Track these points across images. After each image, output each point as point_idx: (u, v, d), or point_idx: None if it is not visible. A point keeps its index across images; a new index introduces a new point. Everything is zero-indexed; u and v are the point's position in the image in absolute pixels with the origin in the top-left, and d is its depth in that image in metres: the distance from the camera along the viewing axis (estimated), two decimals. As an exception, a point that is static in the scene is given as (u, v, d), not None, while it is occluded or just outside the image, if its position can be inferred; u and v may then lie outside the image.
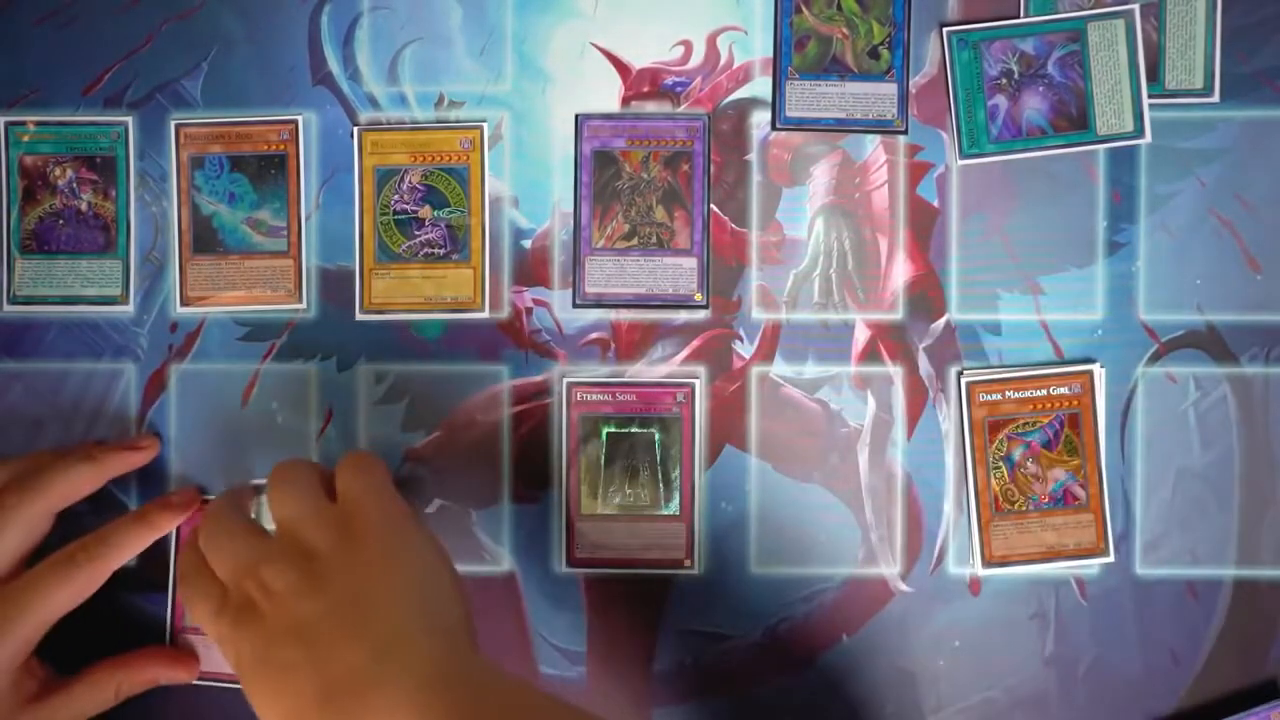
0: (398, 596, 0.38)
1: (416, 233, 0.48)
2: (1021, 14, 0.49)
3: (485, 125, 0.49)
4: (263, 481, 0.46)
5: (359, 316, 0.49)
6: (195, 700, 0.49)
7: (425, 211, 0.48)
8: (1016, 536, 0.48)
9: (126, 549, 0.46)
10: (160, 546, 0.49)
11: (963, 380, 0.48)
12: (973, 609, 0.49)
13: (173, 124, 0.49)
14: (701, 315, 0.49)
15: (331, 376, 0.49)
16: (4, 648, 0.42)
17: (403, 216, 0.49)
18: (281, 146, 0.49)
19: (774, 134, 0.49)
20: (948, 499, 0.49)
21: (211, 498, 0.49)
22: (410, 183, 0.48)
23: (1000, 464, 0.48)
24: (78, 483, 0.46)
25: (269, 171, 0.49)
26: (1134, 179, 0.49)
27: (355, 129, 0.48)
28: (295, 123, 0.49)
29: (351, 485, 0.41)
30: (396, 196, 0.48)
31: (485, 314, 0.49)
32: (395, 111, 0.49)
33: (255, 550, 0.40)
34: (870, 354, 0.49)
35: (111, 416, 0.49)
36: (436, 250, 0.49)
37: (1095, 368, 0.48)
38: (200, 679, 0.49)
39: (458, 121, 0.49)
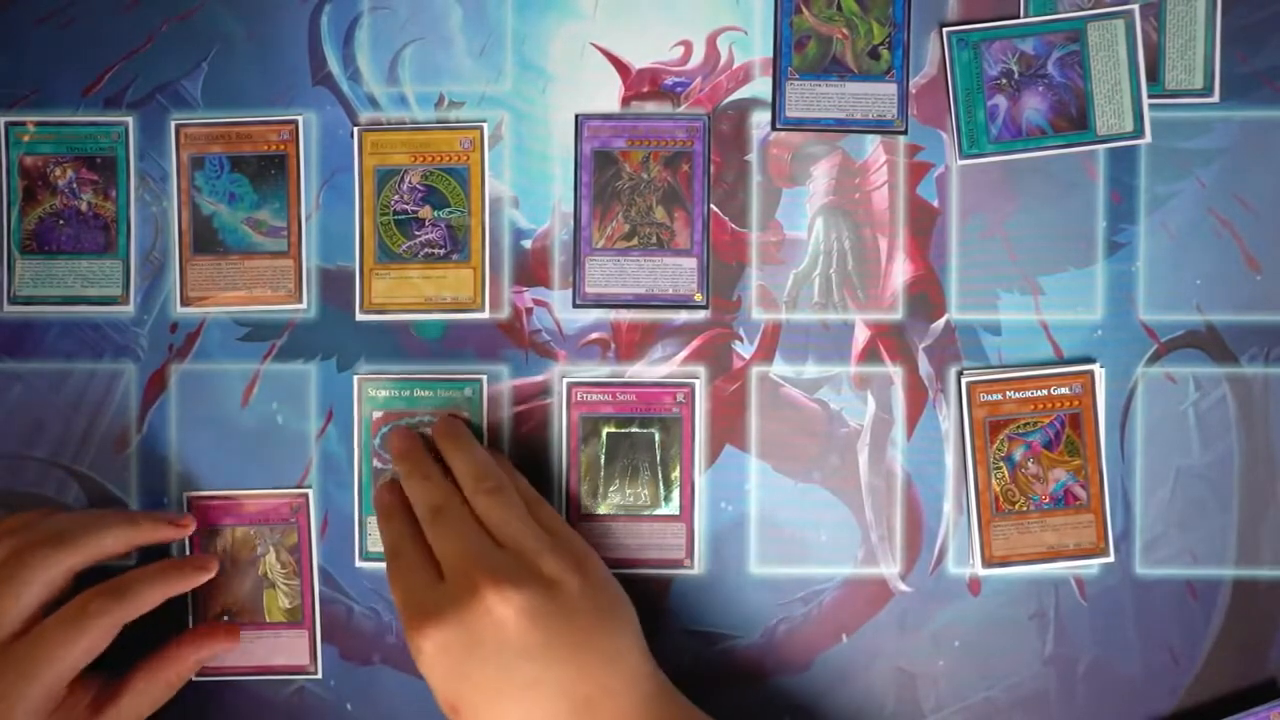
0: (633, 636, 0.42)
1: (416, 233, 0.48)
2: (1021, 14, 0.49)
3: (485, 125, 0.49)
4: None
5: (359, 317, 0.49)
6: (195, 700, 0.49)
7: (425, 212, 0.48)
8: (1017, 537, 0.48)
9: (142, 603, 0.44)
10: (161, 550, 0.49)
11: (963, 380, 0.48)
12: (973, 609, 0.49)
13: (173, 124, 0.49)
14: (701, 315, 0.49)
15: (331, 376, 0.49)
16: (27, 701, 0.41)
17: (403, 216, 0.49)
18: (281, 147, 0.49)
19: (774, 134, 0.49)
20: (948, 499, 0.49)
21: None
22: (410, 183, 0.48)
23: (1001, 464, 0.48)
24: (110, 546, 0.45)
25: (269, 171, 0.49)
26: (1134, 179, 0.49)
27: (355, 129, 0.48)
28: (295, 123, 0.49)
29: (556, 517, 0.45)
30: (396, 196, 0.48)
31: (485, 314, 0.49)
32: (395, 111, 0.49)
33: (493, 556, 0.41)
34: (870, 354, 0.49)
35: (111, 416, 0.49)
36: (436, 250, 0.49)
37: (1095, 368, 0.48)
38: (200, 676, 0.49)
39: (458, 121, 0.49)
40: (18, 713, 0.41)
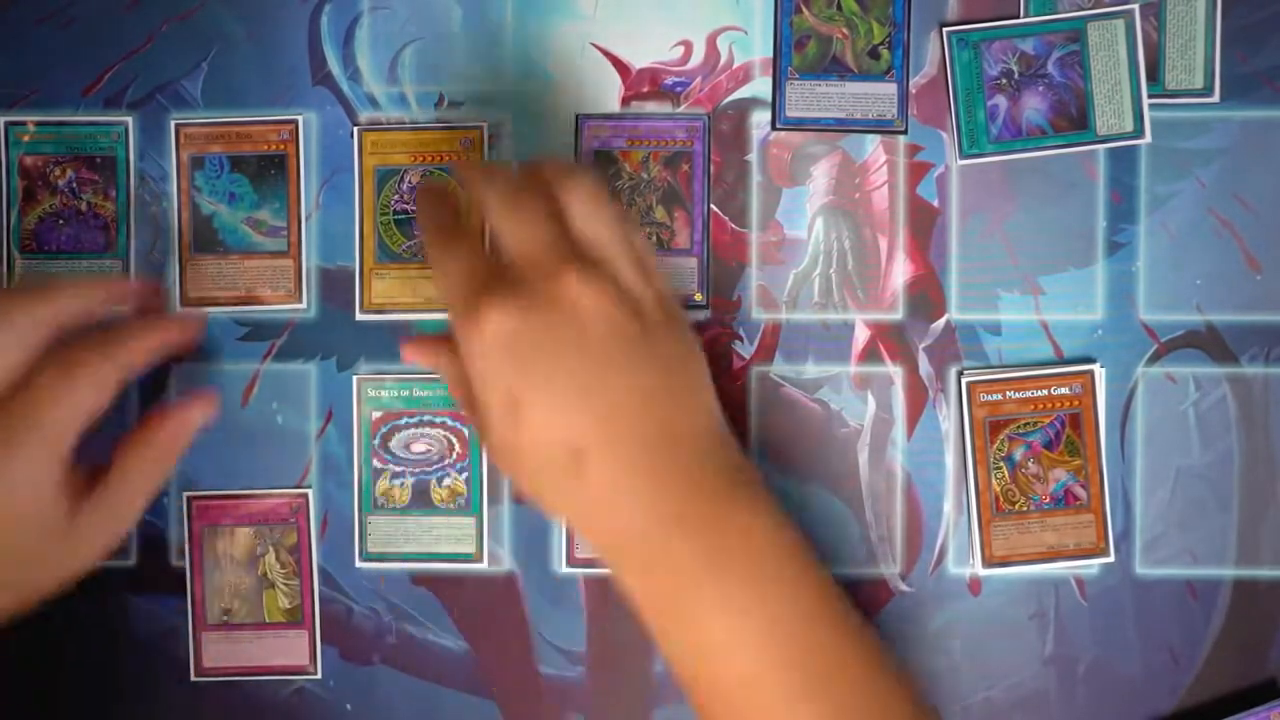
0: (708, 378, 0.38)
1: (417, 233, 0.48)
2: (1021, 14, 0.49)
3: (485, 125, 0.49)
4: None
5: (359, 316, 0.49)
6: (195, 700, 0.49)
7: None
8: (1017, 537, 0.48)
9: (130, 353, 0.40)
10: (160, 550, 0.50)
11: (963, 380, 0.48)
12: (973, 609, 0.49)
13: (173, 124, 0.49)
14: (701, 315, 0.49)
15: (331, 376, 0.49)
16: (30, 465, 0.38)
17: (403, 216, 0.48)
18: (281, 146, 0.49)
19: (774, 134, 0.49)
20: (948, 499, 0.49)
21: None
22: (410, 182, 0.48)
23: (1001, 464, 0.48)
24: (88, 290, 0.42)
25: (269, 172, 0.49)
26: (1134, 179, 0.49)
27: (355, 129, 0.48)
28: (295, 123, 0.49)
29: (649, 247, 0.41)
30: (396, 196, 0.48)
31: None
32: (395, 111, 0.49)
33: (577, 248, 0.36)
34: (870, 354, 0.49)
35: (111, 416, 0.49)
36: (436, 250, 0.49)
37: (1095, 368, 0.48)
38: (200, 676, 0.49)
39: (458, 122, 0.49)
40: (19, 481, 0.38)
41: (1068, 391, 0.48)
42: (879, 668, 0.35)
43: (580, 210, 0.37)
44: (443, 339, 0.40)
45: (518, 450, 0.36)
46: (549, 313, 0.34)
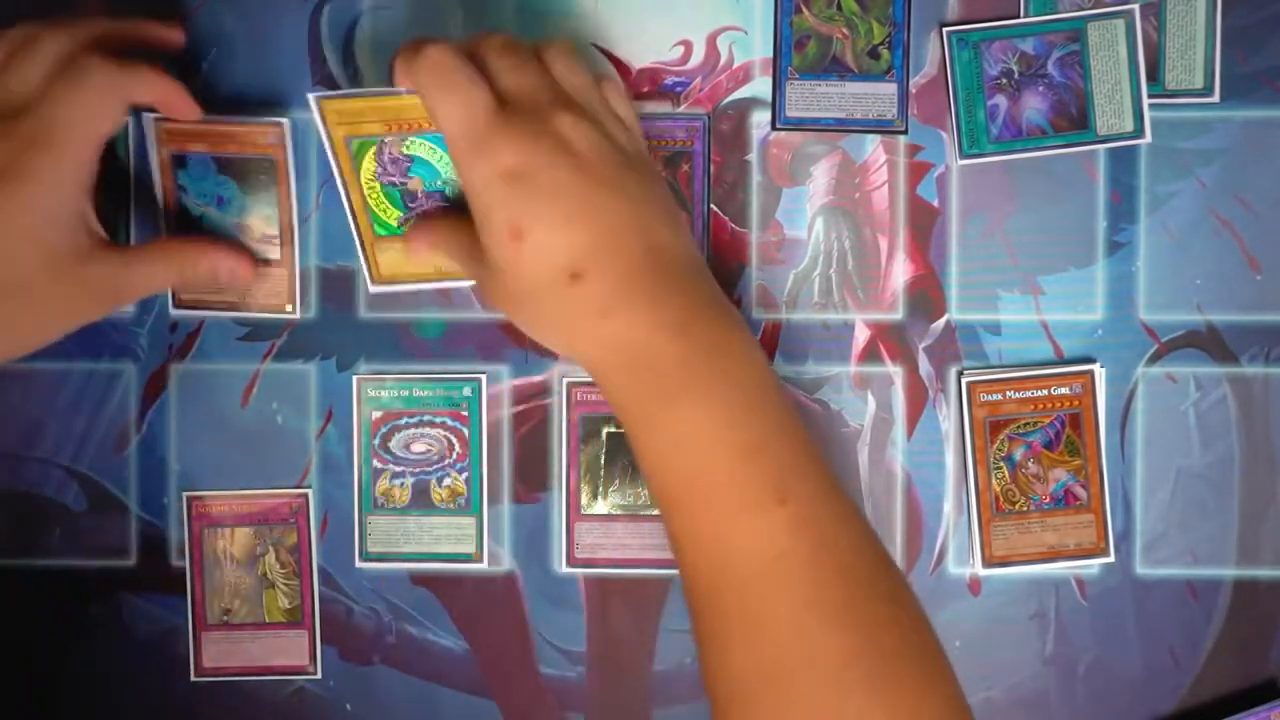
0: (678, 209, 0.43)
1: (412, 205, 0.47)
2: (1021, 14, 0.49)
3: None
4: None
5: (372, 289, 0.48)
6: (195, 700, 0.49)
7: (415, 183, 0.47)
8: (1017, 537, 0.48)
9: (137, 73, 0.42)
10: (160, 550, 0.50)
11: (963, 380, 0.48)
12: (973, 609, 0.49)
13: (150, 120, 0.48)
14: (701, 315, 0.49)
15: (331, 376, 0.49)
16: (53, 173, 0.40)
17: (392, 188, 0.47)
18: (269, 150, 0.48)
19: (774, 134, 0.49)
20: (948, 499, 0.49)
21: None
22: (392, 154, 0.46)
23: (1001, 464, 0.48)
24: (116, 27, 0.44)
25: (258, 176, 0.49)
26: (1134, 179, 0.49)
27: (311, 96, 0.45)
28: (283, 125, 0.48)
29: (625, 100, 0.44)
30: (379, 169, 0.47)
31: (483, 314, 0.49)
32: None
33: (564, 95, 0.40)
34: (870, 354, 0.49)
35: (111, 416, 0.49)
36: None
37: (1095, 368, 0.48)
38: (200, 676, 0.49)
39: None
40: (36, 194, 0.39)
41: (1068, 391, 0.48)
42: (832, 479, 0.40)
43: (563, 65, 0.41)
44: (437, 217, 0.45)
45: (519, 275, 0.39)
46: (543, 149, 0.38)
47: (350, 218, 0.47)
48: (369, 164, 0.46)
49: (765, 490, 0.37)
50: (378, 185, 0.46)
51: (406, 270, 0.48)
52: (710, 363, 0.38)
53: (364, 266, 0.48)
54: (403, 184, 0.46)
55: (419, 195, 0.47)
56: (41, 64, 0.40)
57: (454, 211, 0.44)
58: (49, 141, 0.39)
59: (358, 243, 0.47)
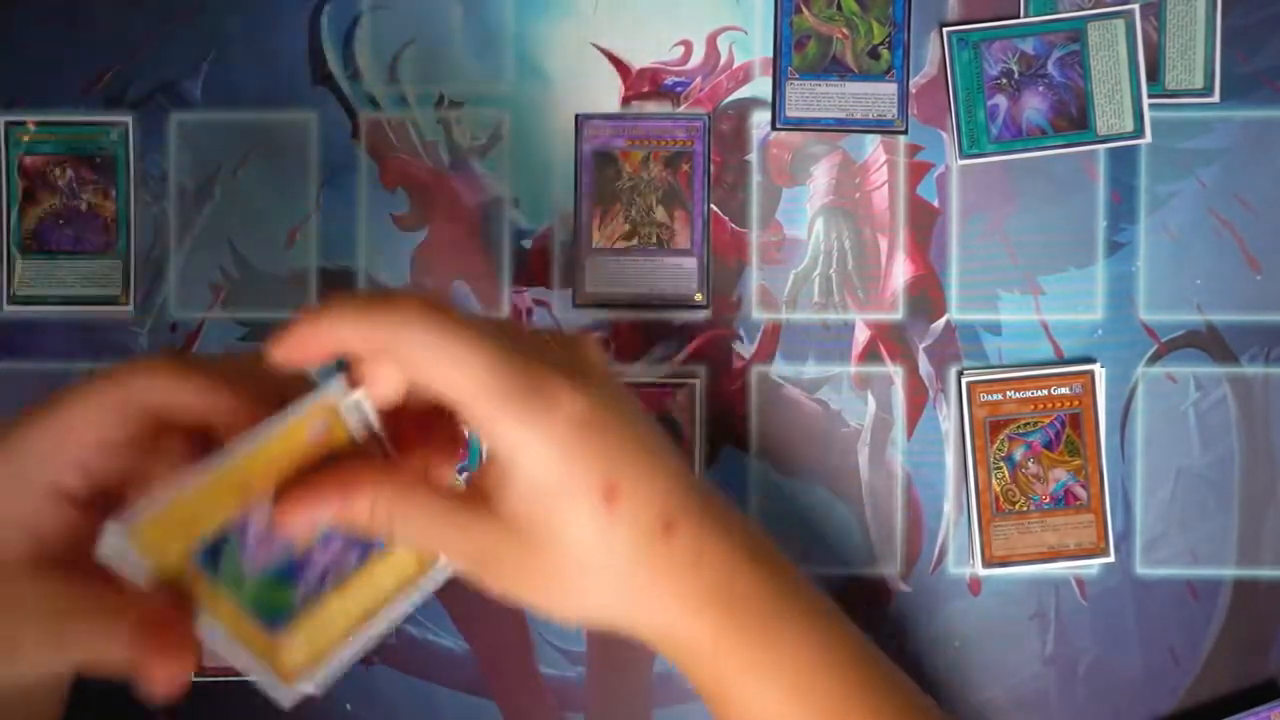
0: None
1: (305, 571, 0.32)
2: (1021, 14, 0.49)
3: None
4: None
5: (283, 699, 0.30)
6: (196, 700, 0.49)
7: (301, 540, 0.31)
8: (1017, 537, 0.48)
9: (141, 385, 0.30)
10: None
11: (963, 380, 0.48)
12: (973, 609, 0.49)
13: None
14: (701, 315, 0.49)
15: (331, 376, 0.49)
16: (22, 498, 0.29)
17: (272, 573, 0.31)
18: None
19: (774, 134, 0.49)
20: (948, 499, 0.49)
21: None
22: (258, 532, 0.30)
23: (1001, 464, 0.48)
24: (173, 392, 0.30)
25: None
26: (1134, 179, 0.49)
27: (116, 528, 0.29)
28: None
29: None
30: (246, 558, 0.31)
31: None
32: (395, 112, 0.49)
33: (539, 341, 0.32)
34: (870, 354, 0.49)
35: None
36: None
37: (1095, 368, 0.48)
38: (200, 676, 0.49)
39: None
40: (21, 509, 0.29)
41: (1068, 391, 0.48)
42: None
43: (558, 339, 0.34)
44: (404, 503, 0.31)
45: (610, 543, 0.31)
46: (599, 381, 0.31)
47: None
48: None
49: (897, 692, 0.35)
50: (255, 581, 0.30)
51: (328, 639, 0.31)
52: (796, 580, 0.34)
53: (264, 674, 0.30)
54: (286, 555, 0.31)
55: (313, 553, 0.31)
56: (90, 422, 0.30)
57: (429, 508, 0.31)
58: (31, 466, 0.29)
59: (247, 655, 0.30)
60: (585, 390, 0.30)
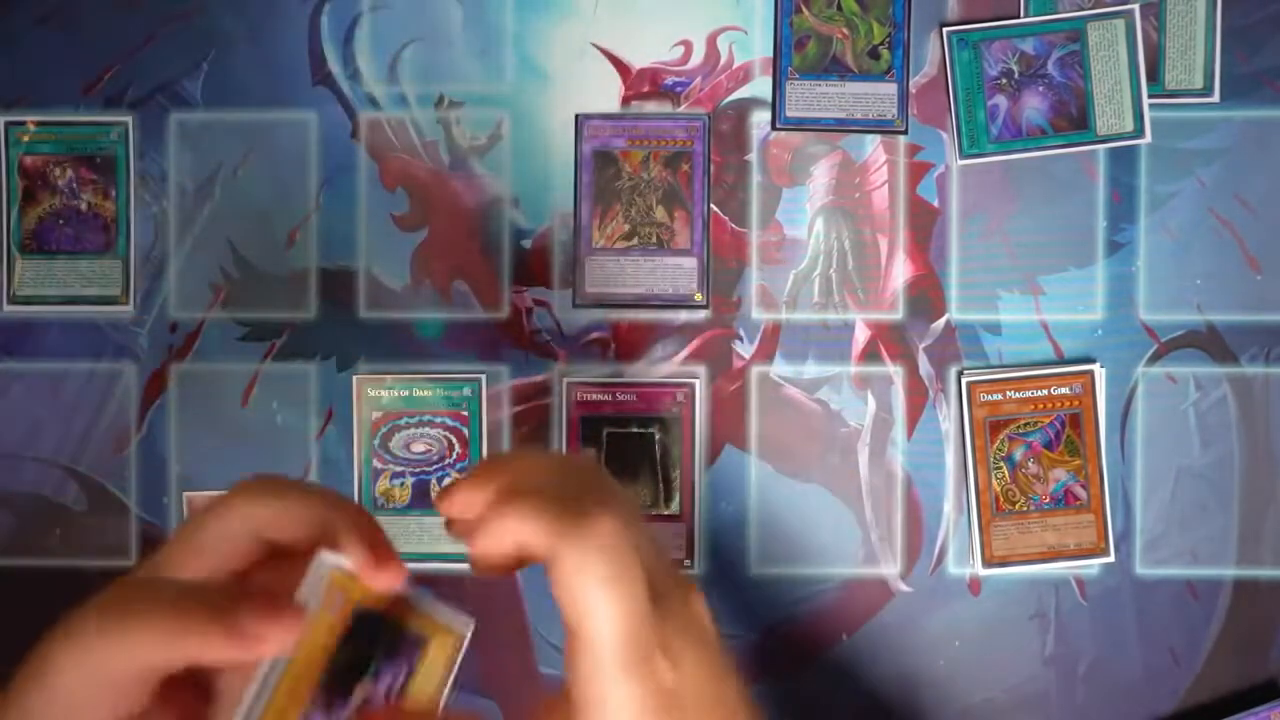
0: None
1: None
2: (1021, 14, 0.49)
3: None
4: None
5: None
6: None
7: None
8: (1017, 537, 0.48)
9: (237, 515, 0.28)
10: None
11: (963, 380, 0.48)
12: (973, 609, 0.49)
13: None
14: (701, 315, 0.49)
15: (331, 376, 0.49)
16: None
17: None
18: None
19: (774, 134, 0.49)
20: (948, 499, 0.49)
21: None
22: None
23: (1001, 464, 0.48)
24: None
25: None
26: (1134, 179, 0.49)
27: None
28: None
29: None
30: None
31: (483, 314, 0.49)
32: (395, 111, 0.49)
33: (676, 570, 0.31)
34: (870, 354, 0.49)
35: (111, 416, 0.49)
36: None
37: (1095, 368, 0.48)
38: (200, 679, 0.49)
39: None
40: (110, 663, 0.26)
41: (1068, 391, 0.48)
42: None
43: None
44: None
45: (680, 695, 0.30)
46: (699, 650, 0.30)
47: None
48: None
49: None
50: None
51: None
52: None
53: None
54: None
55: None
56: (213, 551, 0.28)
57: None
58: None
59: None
60: (687, 657, 0.29)
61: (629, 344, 0.49)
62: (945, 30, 0.49)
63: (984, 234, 0.49)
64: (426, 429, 0.49)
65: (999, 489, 0.48)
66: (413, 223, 0.49)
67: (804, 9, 0.49)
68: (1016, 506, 0.48)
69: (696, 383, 0.49)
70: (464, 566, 0.49)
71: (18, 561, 0.50)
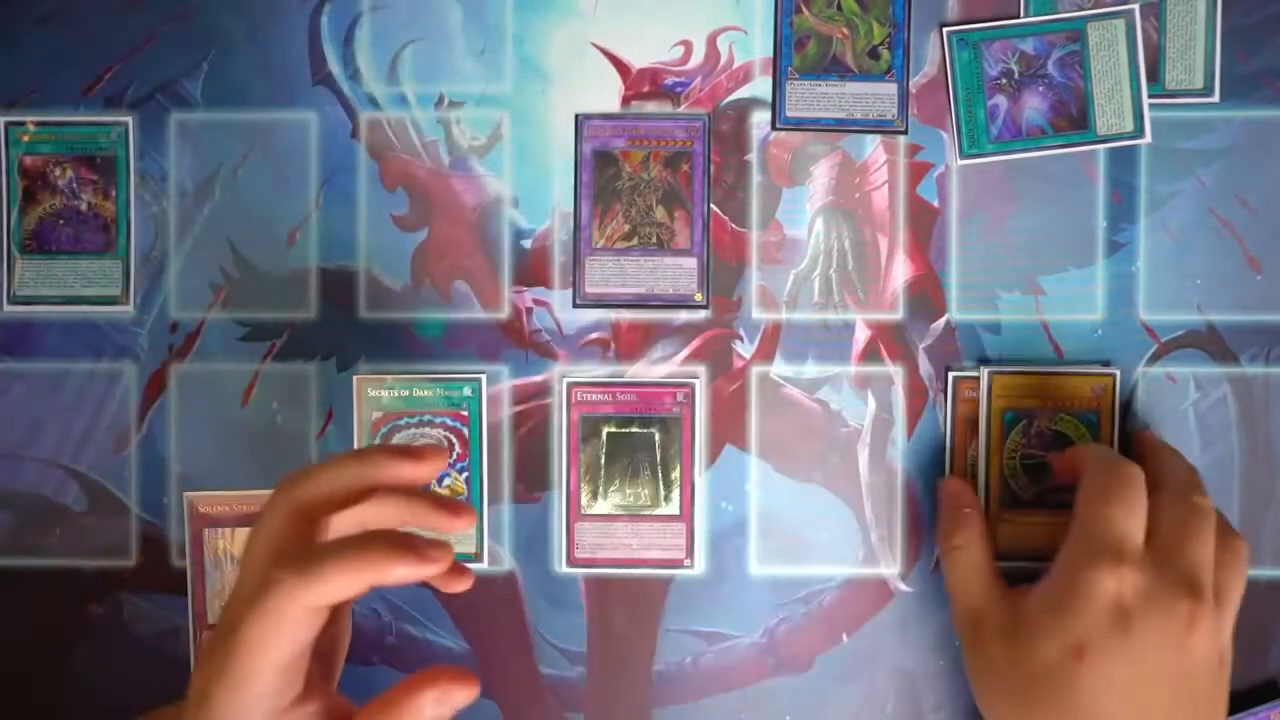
0: None
1: (1055, 479, 0.43)
2: (1021, 14, 0.49)
3: (1115, 375, 0.49)
4: None
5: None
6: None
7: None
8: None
9: (333, 586, 0.32)
10: (160, 550, 0.49)
11: (983, 371, 0.48)
12: (973, 609, 0.49)
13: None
14: (701, 315, 0.49)
15: (331, 376, 0.49)
16: (229, 704, 0.32)
17: (1030, 461, 0.47)
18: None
19: (774, 134, 0.49)
20: (948, 499, 0.49)
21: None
22: (1038, 428, 0.47)
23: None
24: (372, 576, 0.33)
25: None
26: (1134, 179, 0.49)
27: (985, 372, 0.47)
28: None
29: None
30: (1024, 440, 0.47)
31: (483, 314, 0.49)
32: (395, 112, 0.49)
33: (1196, 571, 0.41)
34: (870, 354, 0.49)
35: (111, 416, 0.50)
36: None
37: (1115, 371, 0.48)
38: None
39: (1084, 369, 0.49)
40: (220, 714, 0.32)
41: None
42: None
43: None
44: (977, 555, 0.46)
45: (1072, 693, 0.40)
46: (1161, 615, 0.40)
47: (983, 488, 0.48)
48: (1015, 437, 0.48)
49: None
50: (1018, 457, 0.48)
51: (1026, 545, 0.48)
52: None
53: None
54: (1040, 457, 0.48)
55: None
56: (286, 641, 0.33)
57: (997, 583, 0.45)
58: (223, 674, 0.32)
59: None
60: (1146, 595, 0.40)
61: (629, 344, 0.49)
62: (945, 30, 0.49)
63: (984, 234, 0.49)
64: (426, 429, 0.49)
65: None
66: (413, 223, 0.50)
67: (804, 9, 0.49)
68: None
69: (696, 383, 0.49)
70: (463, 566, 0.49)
71: (18, 561, 0.50)
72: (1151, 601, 0.39)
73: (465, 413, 0.49)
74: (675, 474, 0.49)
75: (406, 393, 0.49)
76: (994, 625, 0.43)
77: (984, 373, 0.48)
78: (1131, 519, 0.41)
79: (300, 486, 0.36)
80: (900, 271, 0.49)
